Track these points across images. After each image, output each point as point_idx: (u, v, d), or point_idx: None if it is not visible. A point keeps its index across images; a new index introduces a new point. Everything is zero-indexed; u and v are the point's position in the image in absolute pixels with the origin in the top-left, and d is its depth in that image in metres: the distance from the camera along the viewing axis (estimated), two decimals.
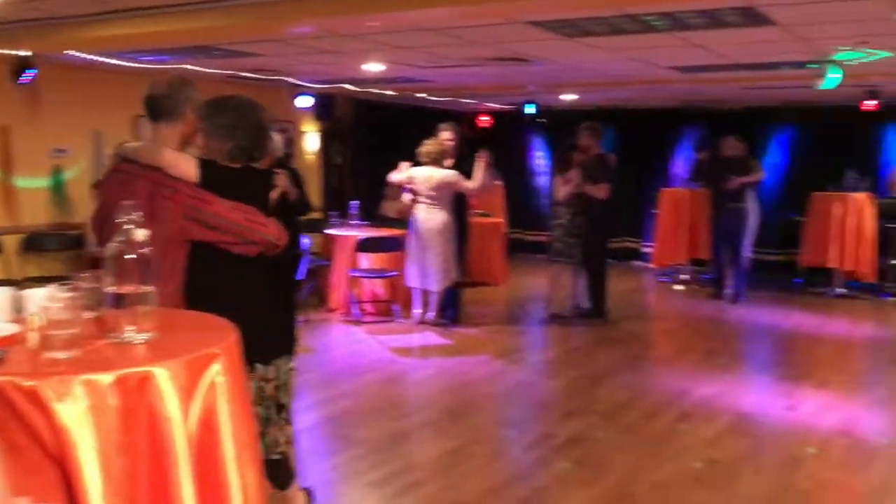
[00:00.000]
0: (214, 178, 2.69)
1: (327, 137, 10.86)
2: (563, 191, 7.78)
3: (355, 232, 8.26)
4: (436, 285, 7.39)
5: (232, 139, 2.80)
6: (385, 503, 3.84)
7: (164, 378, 1.59)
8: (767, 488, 4.08)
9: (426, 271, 7.35)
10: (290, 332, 3.18)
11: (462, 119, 12.95)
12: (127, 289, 1.71)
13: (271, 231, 2.73)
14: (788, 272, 11.10)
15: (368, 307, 8.17)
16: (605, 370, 6.29)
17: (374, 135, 11.13)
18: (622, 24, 5.14)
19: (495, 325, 7.89)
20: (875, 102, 8.74)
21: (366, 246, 7.91)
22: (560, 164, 8.00)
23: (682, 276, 10.63)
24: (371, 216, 9.02)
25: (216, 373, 1.71)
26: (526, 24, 5.14)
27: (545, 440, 4.78)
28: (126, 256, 1.72)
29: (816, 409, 5.39)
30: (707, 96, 10.35)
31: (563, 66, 7.27)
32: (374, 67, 7.38)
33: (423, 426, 5.01)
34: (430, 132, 7.61)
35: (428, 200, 7.29)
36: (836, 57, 6.06)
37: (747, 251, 9.45)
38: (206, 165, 2.70)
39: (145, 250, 1.75)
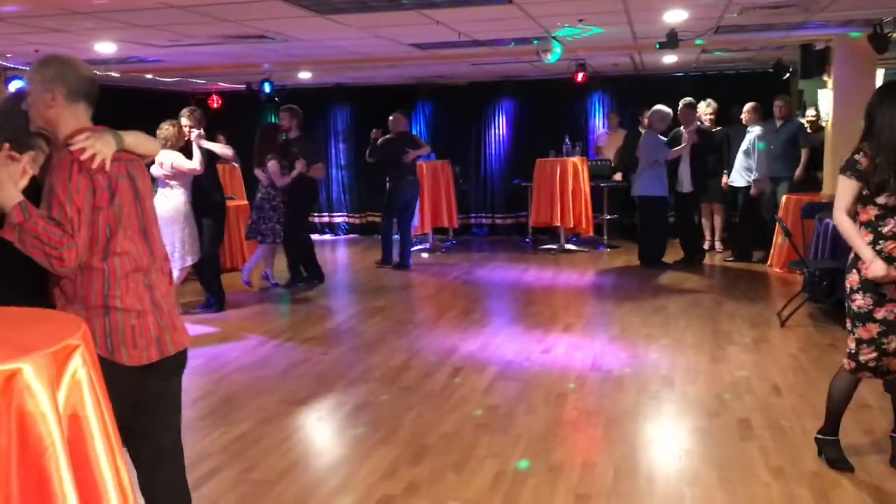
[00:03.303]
0: None
1: None
2: (284, 178, 8.07)
3: None
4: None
5: None
6: None
7: (31, 374, 1.51)
8: (543, 422, 4.54)
9: None
10: None
11: (191, 100, 12.47)
12: None
13: None
14: (519, 233, 12.13)
15: None
16: (374, 339, 6.52)
17: (98, 120, 10.38)
18: (372, 0, 5.31)
19: (253, 307, 7.82)
20: (583, 74, 9.73)
21: None
22: (263, 146, 8.22)
23: (427, 245, 11.21)
24: None
25: (78, 365, 1.64)
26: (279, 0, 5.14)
27: (334, 410, 4.90)
28: None
29: (567, 349, 6.04)
30: (438, 72, 10.89)
31: (305, 43, 7.30)
32: (106, 48, 6.91)
33: (205, 416, 4.88)
34: (163, 117, 7.34)
35: (162, 184, 7.08)
36: (558, 33, 6.71)
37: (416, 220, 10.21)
38: None
39: None
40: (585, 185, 10.71)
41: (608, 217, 11.11)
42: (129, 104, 10.60)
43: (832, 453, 3.85)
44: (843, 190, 3.55)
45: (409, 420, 4.64)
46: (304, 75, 10.74)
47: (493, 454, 4.11)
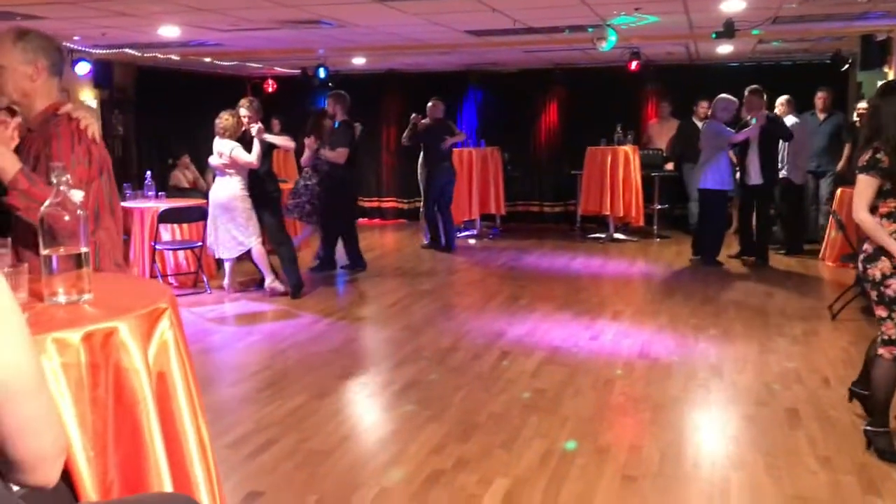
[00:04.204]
0: None
1: (107, 107, 10.26)
2: (305, 155, 8.31)
3: (154, 203, 7.97)
4: (225, 253, 7.43)
5: None
6: (247, 462, 3.89)
7: (126, 332, 1.64)
8: (590, 406, 4.61)
9: (217, 240, 7.39)
10: None
11: (248, 84, 12.72)
12: (67, 251, 1.71)
13: None
14: (567, 221, 12.15)
15: (173, 280, 7.98)
16: (423, 320, 6.64)
17: (158, 103, 10.68)
18: None
19: (307, 287, 7.97)
20: (637, 63, 9.70)
21: (168, 217, 7.65)
22: (308, 129, 8.40)
23: (475, 231, 11.31)
24: (162, 187, 8.96)
25: (166, 326, 1.76)
26: None
27: (385, 388, 5.03)
28: (65, 218, 1.71)
29: (615, 337, 6.08)
30: (490, 59, 10.93)
31: (362, 29, 7.41)
32: (170, 32, 7.10)
33: (263, 389, 5.06)
34: (220, 101, 7.60)
35: (220, 172, 7.32)
36: (614, 21, 6.71)
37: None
38: None
39: (80, 212, 1.75)
40: (636, 175, 10.68)
41: (658, 207, 11.05)
42: (188, 88, 10.88)
43: (883, 444, 3.85)
44: (865, 188, 3.69)
45: (458, 399, 4.74)
46: (358, 61, 10.88)
47: (541, 434, 4.19)
